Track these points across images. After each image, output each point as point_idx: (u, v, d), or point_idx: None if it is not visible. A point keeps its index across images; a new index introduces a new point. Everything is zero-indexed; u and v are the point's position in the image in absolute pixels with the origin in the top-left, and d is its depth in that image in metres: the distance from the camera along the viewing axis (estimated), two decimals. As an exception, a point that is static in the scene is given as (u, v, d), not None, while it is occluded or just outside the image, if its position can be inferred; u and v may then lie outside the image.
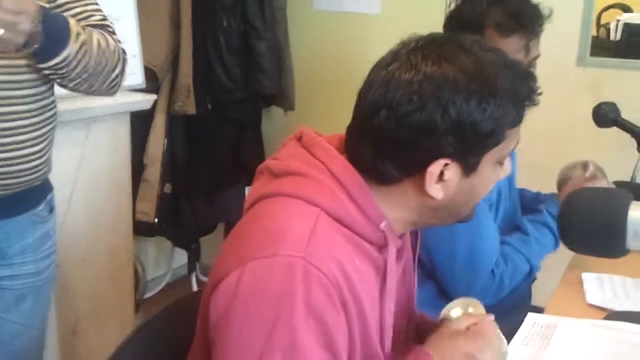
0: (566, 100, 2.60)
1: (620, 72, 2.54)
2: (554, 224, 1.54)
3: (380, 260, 0.97)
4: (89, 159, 1.98)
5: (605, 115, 1.49)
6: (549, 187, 2.67)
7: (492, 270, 1.45)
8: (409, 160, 0.93)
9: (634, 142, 2.11)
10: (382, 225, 0.96)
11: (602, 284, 1.59)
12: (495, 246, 1.47)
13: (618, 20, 2.92)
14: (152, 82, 2.45)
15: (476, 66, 0.91)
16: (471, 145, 0.92)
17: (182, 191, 2.71)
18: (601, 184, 1.53)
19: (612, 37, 2.92)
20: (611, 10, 3.18)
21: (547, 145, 2.54)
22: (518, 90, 0.93)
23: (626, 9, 3.22)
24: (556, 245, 1.56)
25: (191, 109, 2.57)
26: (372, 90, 0.93)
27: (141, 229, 2.59)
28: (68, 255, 1.94)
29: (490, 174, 0.98)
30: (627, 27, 2.91)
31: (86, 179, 1.98)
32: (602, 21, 3.13)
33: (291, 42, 2.92)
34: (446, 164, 0.92)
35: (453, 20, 1.55)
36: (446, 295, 1.46)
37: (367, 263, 0.95)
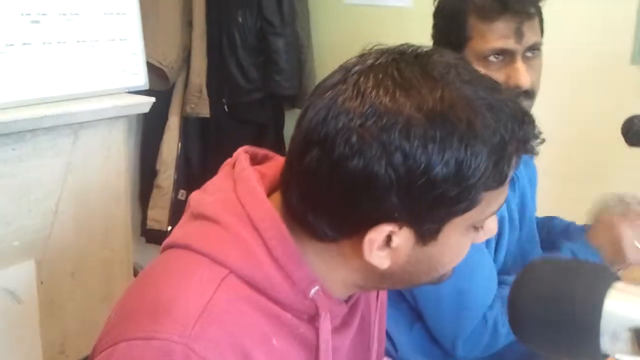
0: (618, 103, 2.31)
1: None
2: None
3: (312, 335, 0.77)
4: (77, 168, 1.85)
5: (638, 132, 1.22)
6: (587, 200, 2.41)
7: (485, 315, 1.21)
8: (343, 219, 0.72)
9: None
10: (313, 291, 0.75)
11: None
12: (489, 287, 1.23)
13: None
14: (162, 82, 2.31)
15: (443, 103, 0.67)
16: (425, 211, 0.69)
17: (197, 198, 2.58)
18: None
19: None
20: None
21: (594, 154, 2.26)
22: (504, 140, 0.68)
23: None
24: None
25: (204, 111, 2.42)
26: (308, 118, 0.71)
27: (153, 238, 2.47)
28: (55, 270, 1.83)
29: (461, 241, 0.75)
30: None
31: (74, 189, 1.86)
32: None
33: (316, 38, 2.74)
34: (392, 231, 0.70)
35: (438, 12, 1.32)
36: (437, 341, 1.24)
37: (290, 341, 0.75)
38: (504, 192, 0.73)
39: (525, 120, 0.71)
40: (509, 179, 0.72)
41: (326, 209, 0.72)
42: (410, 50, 0.73)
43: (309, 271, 0.75)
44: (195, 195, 0.82)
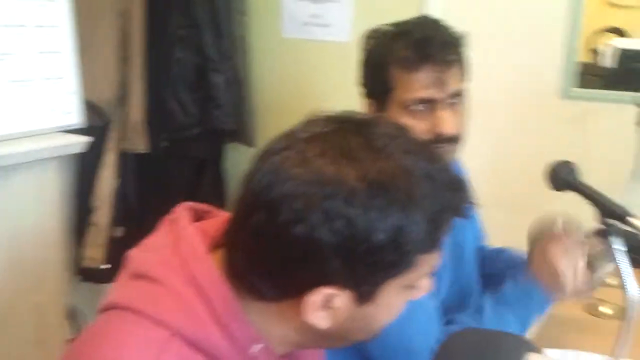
0: (549, 135, 2.41)
1: (608, 105, 2.32)
2: (524, 305, 1.31)
3: None
4: (9, 212, 1.80)
5: (561, 178, 1.25)
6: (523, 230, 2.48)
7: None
8: (286, 281, 0.73)
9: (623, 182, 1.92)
10: (254, 349, 0.76)
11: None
12: (432, 329, 1.25)
13: (611, 45, 2.72)
14: (99, 118, 2.28)
15: (384, 173, 0.70)
16: (364, 274, 0.72)
17: (135, 235, 2.53)
18: (574, 244, 1.28)
19: (604, 63, 2.72)
20: (603, 34, 2.99)
21: (527, 185, 2.34)
22: (440, 208, 0.72)
23: (621, 33, 3.02)
24: (521, 329, 1.32)
25: (143, 147, 2.39)
26: (255, 181, 0.72)
27: (89, 276, 2.42)
28: (-15, 317, 1.77)
29: (396, 301, 0.78)
30: (623, 52, 2.70)
31: (5, 234, 1.80)
32: (591, 45, 2.93)
33: (256, 72, 2.74)
34: (332, 293, 0.72)
35: (362, 62, 1.33)
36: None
37: None
38: (437, 254, 0.76)
39: (460, 188, 0.75)
40: (442, 243, 0.75)
41: (269, 270, 0.73)
42: (354, 119, 0.76)
43: (251, 329, 0.76)
44: (135, 254, 0.81)
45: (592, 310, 1.67)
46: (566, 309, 1.62)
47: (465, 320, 1.32)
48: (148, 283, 0.76)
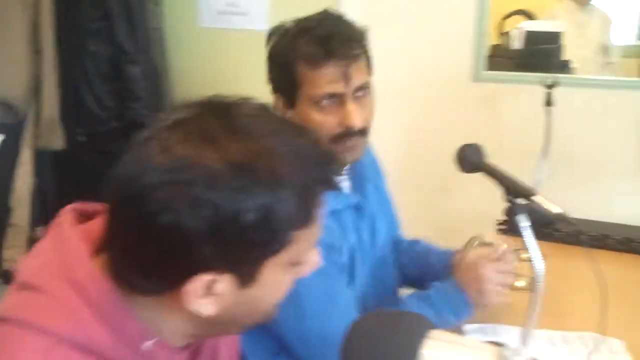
0: (462, 117, 2.49)
1: (517, 86, 2.42)
2: (446, 310, 1.36)
3: None
4: None
5: (469, 160, 1.31)
6: (448, 212, 2.57)
7: None
8: (162, 273, 0.73)
9: (534, 160, 2.01)
10: (147, 345, 0.76)
11: (486, 335, 1.47)
12: (347, 317, 1.28)
13: (519, 28, 2.82)
14: (12, 115, 2.20)
15: (247, 154, 0.70)
16: (240, 256, 0.72)
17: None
18: (501, 264, 1.36)
19: (513, 45, 2.82)
20: (513, 17, 3.09)
21: (441, 167, 2.42)
22: (308, 183, 0.73)
23: (529, 15, 3.13)
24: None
25: (59, 143, 2.33)
26: (120, 175, 0.71)
27: (11, 278, 2.34)
28: None
29: (281, 279, 0.78)
30: (529, 35, 2.80)
31: None
32: (505, 29, 3.03)
33: (173, 63, 2.71)
34: (212, 279, 0.72)
35: (269, 60, 1.35)
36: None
37: None
38: (315, 228, 0.77)
39: (327, 162, 0.76)
40: (317, 217, 0.76)
41: (144, 264, 0.73)
42: (216, 103, 0.76)
43: (141, 326, 0.76)
44: (22, 261, 0.80)
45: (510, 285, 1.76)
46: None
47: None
48: (31, 292, 0.75)
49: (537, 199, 1.20)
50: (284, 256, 0.75)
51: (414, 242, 1.66)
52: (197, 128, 0.71)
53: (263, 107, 0.78)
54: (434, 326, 0.64)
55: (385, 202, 1.57)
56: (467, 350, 0.61)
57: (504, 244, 1.39)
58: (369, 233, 1.43)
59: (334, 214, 1.33)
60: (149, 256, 0.72)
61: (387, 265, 1.51)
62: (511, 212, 1.23)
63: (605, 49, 3.05)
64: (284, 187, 0.71)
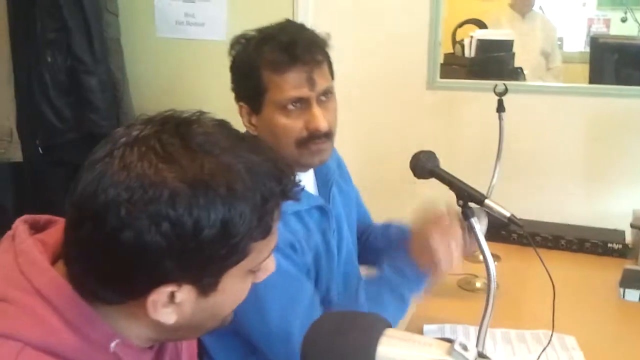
0: (418, 124, 2.55)
1: (470, 93, 2.49)
2: (400, 284, 1.39)
3: None
4: None
5: (423, 166, 1.36)
6: (403, 217, 2.62)
7: None
8: (124, 286, 0.75)
9: (489, 165, 2.07)
10: (113, 345, 0.78)
11: (444, 335, 1.52)
12: (311, 315, 1.31)
13: (472, 37, 2.90)
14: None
15: (204, 171, 0.72)
16: (201, 269, 0.75)
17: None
18: (449, 228, 1.38)
19: (466, 53, 2.90)
20: (466, 26, 3.18)
21: (399, 173, 2.47)
22: (264, 197, 0.76)
23: (480, 24, 3.22)
24: (399, 306, 1.40)
25: (16, 155, 2.30)
26: (79, 192, 0.73)
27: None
28: None
29: (240, 287, 0.81)
30: (481, 43, 2.89)
31: None
32: (458, 37, 3.11)
33: (132, 73, 2.70)
34: (173, 290, 0.75)
35: (233, 67, 1.38)
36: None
37: None
38: (272, 239, 0.80)
39: (282, 176, 0.78)
40: (274, 229, 0.79)
41: (106, 278, 0.75)
42: (173, 120, 0.78)
43: (106, 329, 0.78)
44: None
45: (466, 286, 1.81)
46: (443, 286, 1.74)
47: (345, 303, 1.40)
48: None
49: (488, 203, 1.25)
50: (243, 266, 0.78)
51: (386, 227, 1.69)
52: (155, 146, 0.73)
53: (219, 124, 0.80)
54: (389, 324, 0.67)
55: (350, 202, 1.60)
56: (419, 346, 0.64)
57: (453, 212, 1.39)
58: (334, 233, 1.46)
59: (298, 214, 1.36)
60: (110, 270, 0.73)
61: (352, 264, 1.55)
62: (463, 216, 1.28)
63: (547, 56, 3.15)
64: (241, 202, 0.73)
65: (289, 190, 0.79)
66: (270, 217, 0.78)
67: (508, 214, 1.24)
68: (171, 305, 0.76)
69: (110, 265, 0.73)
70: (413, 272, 1.37)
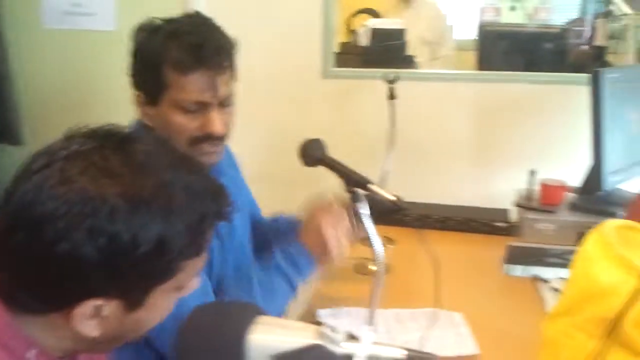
0: (314, 113, 2.58)
1: (365, 81, 2.53)
2: (291, 270, 1.41)
3: None
4: None
5: (310, 155, 1.38)
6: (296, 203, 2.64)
7: None
8: (52, 296, 0.75)
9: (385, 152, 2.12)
10: (30, 355, 0.78)
11: (338, 319, 1.54)
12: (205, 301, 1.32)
13: (365, 26, 2.95)
14: None
15: (144, 188, 0.74)
16: (132, 284, 0.76)
17: None
18: (338, 214, 1.41)
19: (361, 42, 2.94)
20: (362, 16, 3.23)
21: (295, 160, 2.51)
22: (199, 217, 0.77)
23: (374, 14, 3.28)
24: (291, 292, 1.43)
25: None
26: (14, 201, 0.73)
27: None
28: None
29: (166, 303, 0.83)
30: (375, 32, 2.94)
31: None
32: (353, 26, 3.16)
33: (18, 67, 2.59)
34: (101, 304, 0.75)
35: (134, 54, 1.34)
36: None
37: None
38: (202, 258, 0.82)
39: (218, 196, 0.81)
40: (206, 247, 0.81)
41: (34, 286, 0.75)
42: (114, 135, 0.79)
43: (25, 338, 0.78)
44: None
45: (362, 269, 1.85)
46: (339, 271, 1.78)
47: (238, 291, 1.41)
48: None
49: (373, 188, 1.29)
50: (171, 283, 0.79)
51: (275, 219, 1.71)
52: (96, 161, 0.74)
53: (159, 142, 0.82)
54: (261, 312, 0.69)
55: (241, 192, 1.61)
56: (289, 331, 0.66)
57: (341, 199, 1.43)
58: (225, 223, 1.46)
59: None
60: (40, 280, 0.73)
61: (245, 253, 1.55)
62: (352, 201, 1.31)
63: (433, 44, 3.25)
64: (178, 221, 0.75)
65: (223, 210, 0.81)
66: (204, 237, 0.79)
67: (392, 198, 1.29)
68: (96, 318, 0.76)
69: (40, 275, 0.73)
70: (304, 258, 1.40)
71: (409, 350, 0.67)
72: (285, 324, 0.67)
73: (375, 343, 0.68)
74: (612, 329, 1.08)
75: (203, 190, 0.79)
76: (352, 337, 0.66)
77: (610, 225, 1.19)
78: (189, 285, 0.85)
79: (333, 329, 0.65)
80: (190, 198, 0.76)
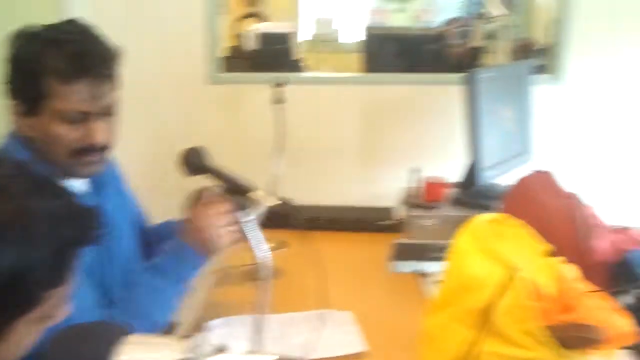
0: (202, 120, 2.56)
1: (253, 86, 2.53)
2: (174, 267, 1.39)
3: None
4: None
5: (192, 163, 1.37)
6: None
7: None
8: None
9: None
10: None
11: (231, 328, 1.53)
12: (89, 314, 1.28)
13: (252, 30, 2.96)
14: None
15: (2, 215, 0.69)
16: None
17: None
18: (217, 208, 1.40)
19: (249, 47, 2.95)
20: (250, 19, 3.23)
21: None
22: (61, 245, 0.73)
23: (262, 17, 3.29)
24: (177, 292, 1.41)
25: None
26: None
27: None
28: None
29: (29, 336, 0.78)
30: (262, 36, 2.95)
31: None
32: (239, 31, 3.15)
33: None
34: None
35: (10, 60, 1.28)
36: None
37: None
38: (69, 284, 0.78)
39: (85, 221, 0.77)
40: (71, 275, 0.77)
41: None
42: None
43: None
44: None
45: (254, 276, 1.85)
46: (231, 279, 1.78)
47: (123, 297, 1.38)
48: None
49: (256, 194, 1.30)
50: (38, 312, 0.75)
51: (161, 225, 1.69)
52: None
53: (20, 166, 0.77)
54: (127, 332, 0.67)
55: (125, 202, 1.58)
56: (156, 348, 0.66)
57: (216, 193, 1.43)
58: (110, 233, 1.43)
59: None
60: None
61: (132, 262, 1.52)
62: (236, 208, 1.31)
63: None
64: (36, 250, 0.70)
65: (90, 235, 0.77)
66: (68, 265, 0.75)
67: (277, 203, 1.30)
68: None
69: None
70: (186, 253, 1.39)
71: (280, 356, 0.68)
72: (152, 341, 0.67)
73: (249, 352, 0.68)
74: (485, 319, 1.14)
75: (67, 216, 0.75)
76: (221, 350, 0.67)
77: (481, 219, 1.26)
78: (57, 314, 0.81)
79: (203, 341, 0.65)
80: (52, 225, 0.73)
